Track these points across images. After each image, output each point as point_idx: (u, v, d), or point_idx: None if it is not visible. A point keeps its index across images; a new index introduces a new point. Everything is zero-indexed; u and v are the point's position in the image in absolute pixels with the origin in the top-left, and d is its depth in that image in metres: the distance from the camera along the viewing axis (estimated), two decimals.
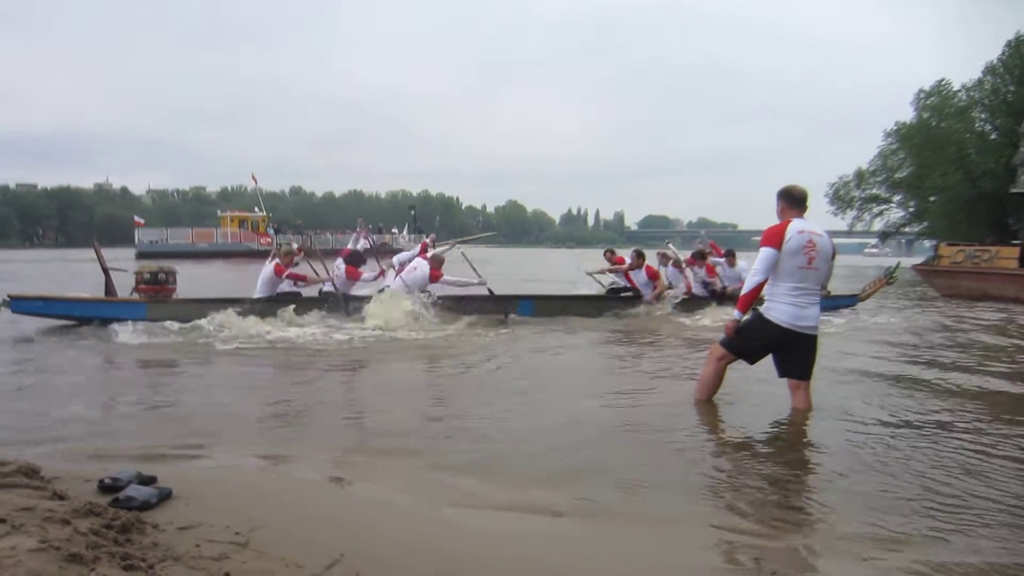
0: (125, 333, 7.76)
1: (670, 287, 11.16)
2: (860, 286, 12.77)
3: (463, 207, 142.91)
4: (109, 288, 9.00)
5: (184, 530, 2.37)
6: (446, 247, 11.13)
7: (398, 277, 9.53)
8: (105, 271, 9.01)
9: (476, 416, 4.49)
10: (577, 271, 12.37)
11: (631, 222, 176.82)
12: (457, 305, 9.38)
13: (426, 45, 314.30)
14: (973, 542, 2.61)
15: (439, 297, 9.32)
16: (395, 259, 10.42)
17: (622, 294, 11.19)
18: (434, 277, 9.41)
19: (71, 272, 22.80)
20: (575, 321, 9.78)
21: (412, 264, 9.68)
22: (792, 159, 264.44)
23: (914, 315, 12.41)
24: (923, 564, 2.43)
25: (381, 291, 9.28)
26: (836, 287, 11.91)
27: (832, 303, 11.46)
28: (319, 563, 2.16)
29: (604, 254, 11.88)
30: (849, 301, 12.02)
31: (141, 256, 35.32)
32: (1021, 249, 19.00)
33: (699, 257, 11.41)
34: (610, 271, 11.59)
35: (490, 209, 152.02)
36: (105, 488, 2.74)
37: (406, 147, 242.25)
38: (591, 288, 11.88)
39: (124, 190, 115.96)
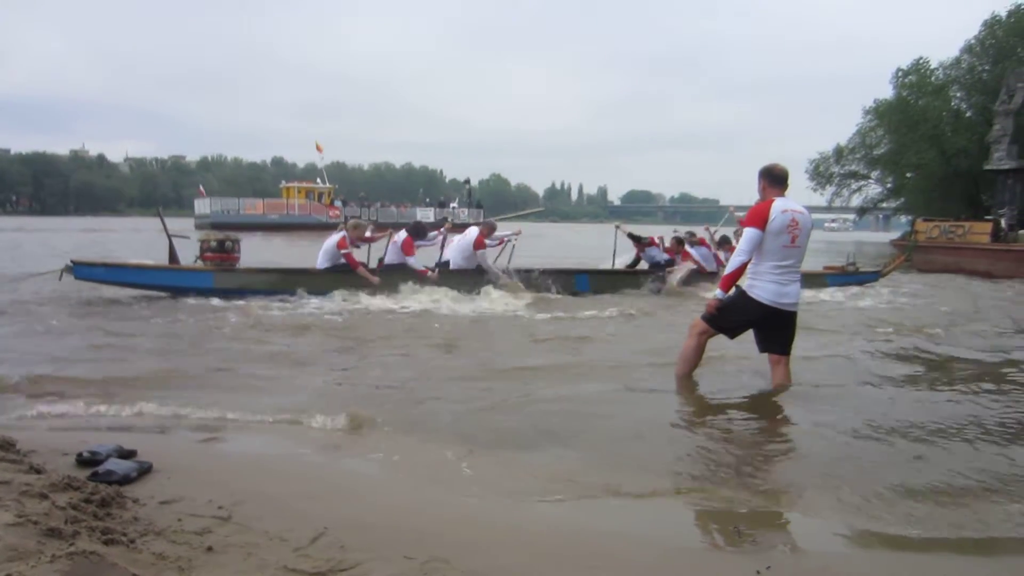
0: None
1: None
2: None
3: (447, 180, 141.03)
4: (173, 256, 8.90)
5: (165, 504, 2.35)
6: (508, 234, 11.00)
7: (447, 248, 9.78)
8: (169, 238, 8.87)
9: (458, 389, 4.49)
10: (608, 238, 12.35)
11: (614, 197, 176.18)
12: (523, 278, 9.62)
13: (414, 15, 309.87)
14: (945, 512, 2.66)
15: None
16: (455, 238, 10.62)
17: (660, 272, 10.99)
18: (478, 243, 9.53)
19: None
20: (620, 296, 9.69)
21: (467, 231, 9.95)
22: (774, 135, 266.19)
23: (895, 289, 12.60)
24: (895, 532, 2.48)
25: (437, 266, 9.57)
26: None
27: (856, 279, 12.29)
28: (303, 536, 2.15)
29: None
30: (871, 277, 12.63)
31: (216, 226, 33.83)
32: (993, 224, 19.66)
33: (725, 242, 11.46)
34: (634, 241, 11.48)
35: (474, 182, 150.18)
36: (83, 462, 2.70)
37: (389, 119, 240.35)
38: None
39: (101, 157, 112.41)
